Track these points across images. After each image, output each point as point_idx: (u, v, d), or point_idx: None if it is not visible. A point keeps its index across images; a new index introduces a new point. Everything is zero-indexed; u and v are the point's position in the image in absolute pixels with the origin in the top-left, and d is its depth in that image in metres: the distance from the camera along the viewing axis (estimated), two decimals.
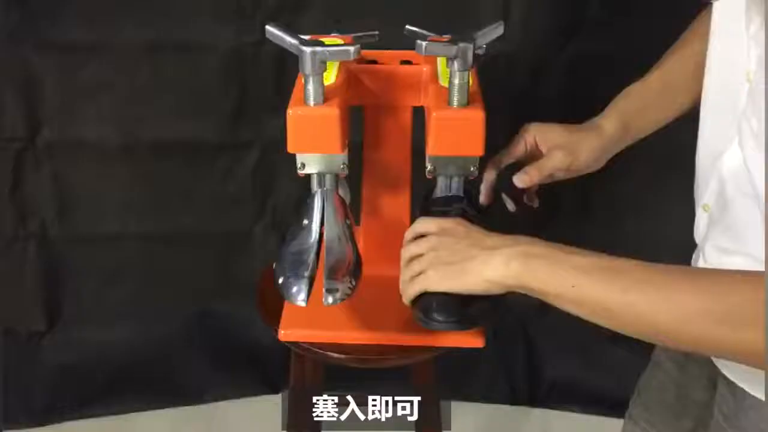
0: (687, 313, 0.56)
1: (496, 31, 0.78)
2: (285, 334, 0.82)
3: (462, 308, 0.70)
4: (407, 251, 0.74)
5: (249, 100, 1.39)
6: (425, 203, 0.86)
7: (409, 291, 0.72)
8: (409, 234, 0.76)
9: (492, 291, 0.67)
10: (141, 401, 1.52)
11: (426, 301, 0.71)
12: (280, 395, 1.09)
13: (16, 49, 1.31)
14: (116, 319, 1.52)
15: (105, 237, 1.48)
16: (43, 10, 1.29)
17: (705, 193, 0.72)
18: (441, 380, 1.04)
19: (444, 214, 0.80)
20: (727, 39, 0.68)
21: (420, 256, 0.72)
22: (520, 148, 0.86)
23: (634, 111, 0.86)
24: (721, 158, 0.68)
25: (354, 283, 0.74)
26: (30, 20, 1.29)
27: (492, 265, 0.66)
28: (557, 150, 0.84)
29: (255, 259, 1.49)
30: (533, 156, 0.86)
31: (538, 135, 0.86)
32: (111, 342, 1.52)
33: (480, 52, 0.77)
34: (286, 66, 1.32)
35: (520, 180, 0.83)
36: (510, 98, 1.27)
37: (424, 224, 0.75)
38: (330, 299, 0.71)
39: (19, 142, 1.38)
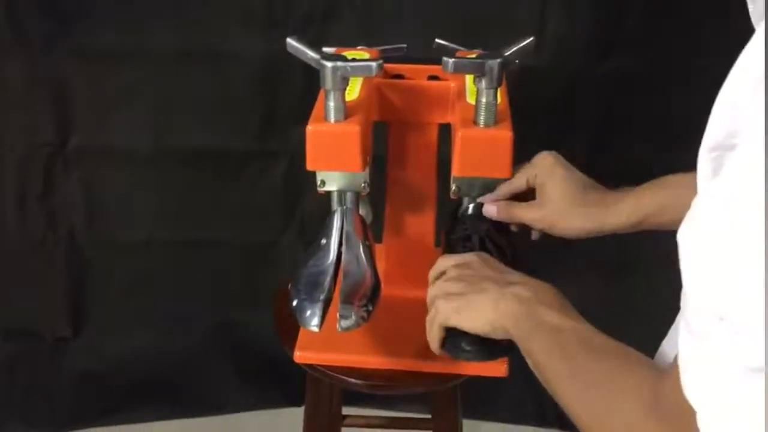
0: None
1: (526, 47, 0.75)
2: (300, 355, 0.80)
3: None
4: (429, 292, 0.70)
5: (278, 109, 1.37)
6: (451, 223, 0.83)
7: (430, 333, 0.69)
8: (431, 273, 0.73)
9: (494, 335, 0.64)
10: (163, 410, 1.51)
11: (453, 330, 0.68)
12: (302, 408, 1.07)
13: (47, 56, 1.31)
14: (141, 327, 1.51)
15: (132, 244, 1.47)
16: (75, 17, 1.28)
17: None
18: (465, 398, 1.01)
19: (468, 238, 0.77)
20: None
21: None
22: (519, 184, 0.78)
23: (657, 206, 0.73)
24: None
25: (371, 308, 0.71)
26: (62, 27, 1.29)
27: (494, 305, 0.63)
28: (538, 210, 0.77)
29: (281, 270, 1.46)
30: (530, 193, 0.79)
31: (540, 175, 0.77)
32: (135, 350, 1.51)
33: (514, 67, 0.74)
34: (316, 75, 1.29)
35: (486, 211, 0.79)
36: (541, 114, 1.22)
37: (443, 261, 0.72)
38: (344, 325, 0.68)
39: (50, 148, 1.38)
